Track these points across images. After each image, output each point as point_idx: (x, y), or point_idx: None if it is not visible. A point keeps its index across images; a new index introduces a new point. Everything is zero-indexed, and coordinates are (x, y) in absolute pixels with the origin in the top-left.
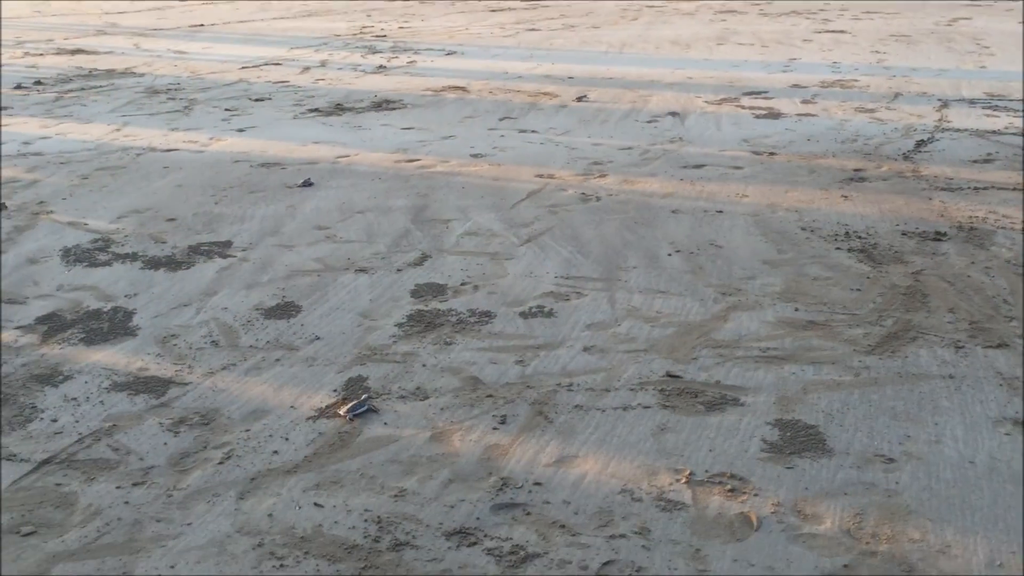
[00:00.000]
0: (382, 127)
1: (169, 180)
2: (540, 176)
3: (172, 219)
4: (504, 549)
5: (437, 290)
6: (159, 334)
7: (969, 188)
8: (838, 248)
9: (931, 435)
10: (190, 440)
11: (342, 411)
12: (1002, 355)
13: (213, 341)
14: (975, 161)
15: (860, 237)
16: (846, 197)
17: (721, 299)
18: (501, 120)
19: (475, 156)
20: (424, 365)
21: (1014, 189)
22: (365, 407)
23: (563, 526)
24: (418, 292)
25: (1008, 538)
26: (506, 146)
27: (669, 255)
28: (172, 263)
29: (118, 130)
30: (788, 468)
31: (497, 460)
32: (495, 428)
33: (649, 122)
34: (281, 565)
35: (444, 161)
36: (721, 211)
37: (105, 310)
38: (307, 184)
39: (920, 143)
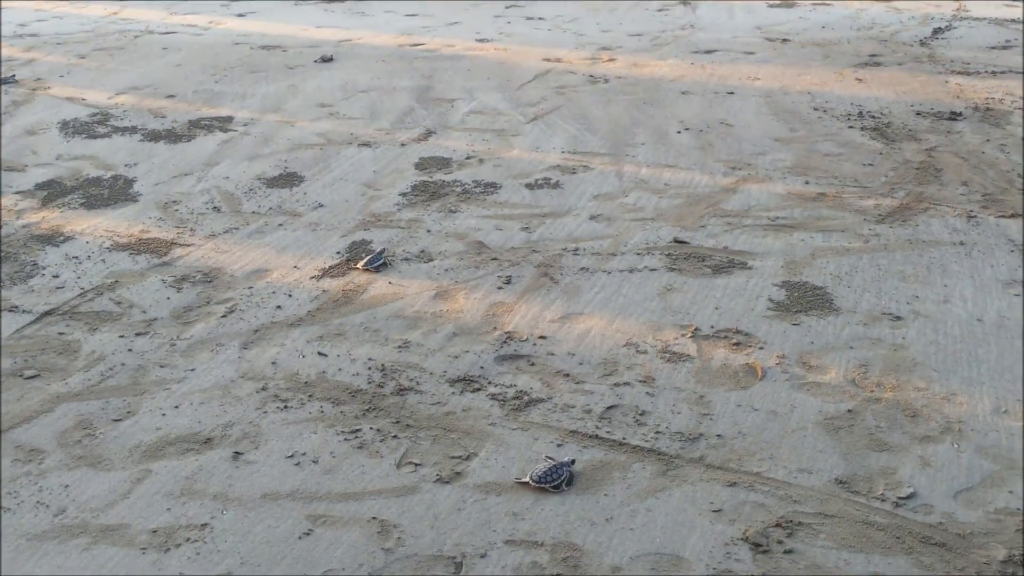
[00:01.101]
0: (385, 14)
1: (168, 60)
2: (547, 60)
3: (171, 96)
4: (508, 395)
5: (442, 163)
6: (160, 200)
7: (986, 72)
8: (851, 127)
9: (940, 296)
10: (193, 296)
11: (359, 265)
12: (1015, 224)
13: (215, 207)
14: (993, 47)
15: (874, 117)
16: (860, 80)
17: (730, 173)
18: (508, 8)
19: (481, 41)
20: (428, 231)
21: None
22: (381, 260)
23: (567, 375)
24: (422, 165)
25: (1015, 387)
26: (513, 32)
27: (678, 132)
28: (172, 136)
29: (115, 13)
30: (794, 325)
31: (502, 316)
32: (500, 288)
33: (660, 11)
34: (285, 407)
35: (449, 45)
36: (732, 92)
37: (105, 178)
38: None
39: (937, 30)
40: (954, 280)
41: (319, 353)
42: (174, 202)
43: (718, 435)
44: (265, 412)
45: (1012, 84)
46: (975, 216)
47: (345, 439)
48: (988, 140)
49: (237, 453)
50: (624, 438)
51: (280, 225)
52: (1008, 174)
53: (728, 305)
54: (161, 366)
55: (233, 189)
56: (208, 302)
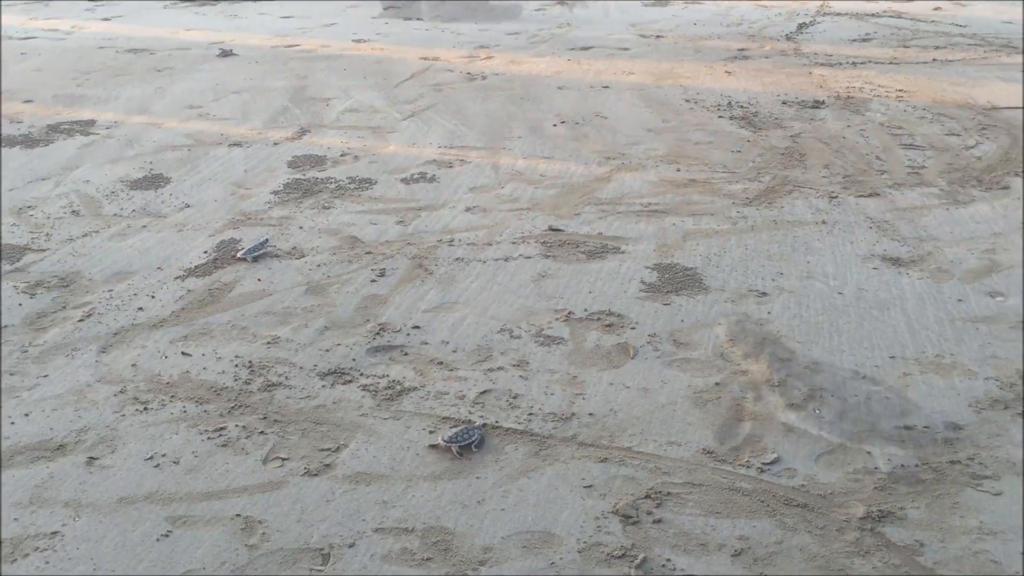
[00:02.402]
0: (259, 16)
1: (26, 66)
2: (425, 59)
3: (29, 100)
4: (380, 385)
5: (316, 161)
6: (14, 206)
7: (848, 63)
8: (720, 116)
9: (803, 272)
10: (48, 301)
11: (239, 254)
12: (873, 203)
13: (73, 211)
14: (853, 40)
15: (742, 107)
16: (729, 73)
17: (605, 163)
18: (385, 9)
19: (357, 41)
20: (301, 227)
21: (890, 63)
22: (263, 250)
23: (441, 363)
24: (296, 163)
25: (873, 354)
26: (390, 32)
27: (554, 126)
28: (29, 141)
29: None
30: (665, 305)
31: (375, 309)
32: (373, 280)
33: (537, 10)
34: (145, 409)
35: (325, 46)
36: (607, 87)
37: None
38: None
39: (802, 25)
40: (816, 257)
41: (183, 353)
42: (29, 207)
43: (590, 413)
44: (123, 415)
45: (870, 74)
46: (836, 197)
47: (208, 438)
48: (849, 126)
49: (92, 458)
50: (497, 421)
51: (144, 227)
52: (867, 157)
53: (601, 288)
54: (11, 374)
55: (94, 192)
56: (64, 307)
